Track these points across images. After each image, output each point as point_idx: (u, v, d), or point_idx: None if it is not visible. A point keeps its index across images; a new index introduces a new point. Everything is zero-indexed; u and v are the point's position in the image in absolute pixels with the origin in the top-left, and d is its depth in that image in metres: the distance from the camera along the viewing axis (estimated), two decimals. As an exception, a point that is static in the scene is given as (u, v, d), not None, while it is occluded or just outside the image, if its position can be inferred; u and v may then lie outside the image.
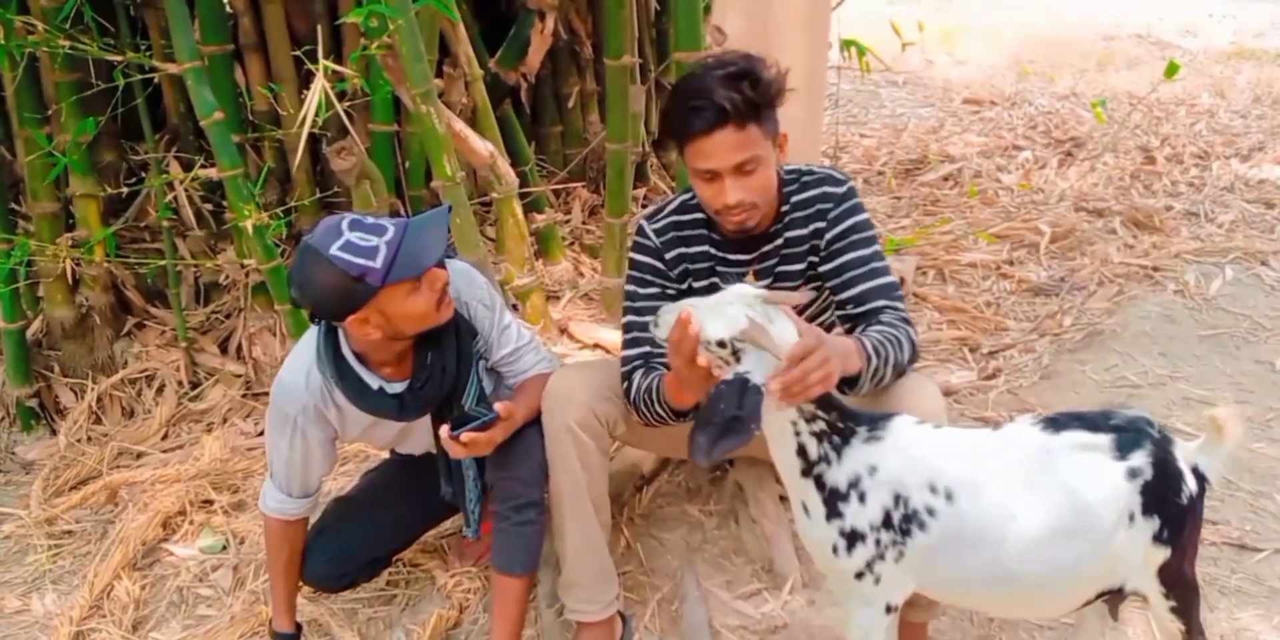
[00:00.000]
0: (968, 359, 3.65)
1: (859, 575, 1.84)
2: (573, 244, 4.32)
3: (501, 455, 2.25)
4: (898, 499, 1.79)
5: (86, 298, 3.76)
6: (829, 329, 2.34)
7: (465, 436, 2.08)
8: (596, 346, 3.58)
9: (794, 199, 2.22)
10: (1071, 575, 1.81)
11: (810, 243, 2.22)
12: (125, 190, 3.68)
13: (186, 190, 3.72)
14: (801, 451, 1.81)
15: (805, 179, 2.23)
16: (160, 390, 3.69)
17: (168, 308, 3.83)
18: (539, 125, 4.56)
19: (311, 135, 2.92)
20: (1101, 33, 8.75)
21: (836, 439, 1.81)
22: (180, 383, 3.68)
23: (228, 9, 3.68)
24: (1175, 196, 5.00)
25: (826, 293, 2.25)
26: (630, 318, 2.26)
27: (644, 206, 4.44)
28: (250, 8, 3.65)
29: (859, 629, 1.91)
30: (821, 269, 2.21)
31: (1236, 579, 2.55)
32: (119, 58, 3.27)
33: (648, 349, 2.20)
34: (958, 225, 4.72)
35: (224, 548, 2.96)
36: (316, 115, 2.84)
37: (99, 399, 3.67)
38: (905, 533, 1.79)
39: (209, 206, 3.81)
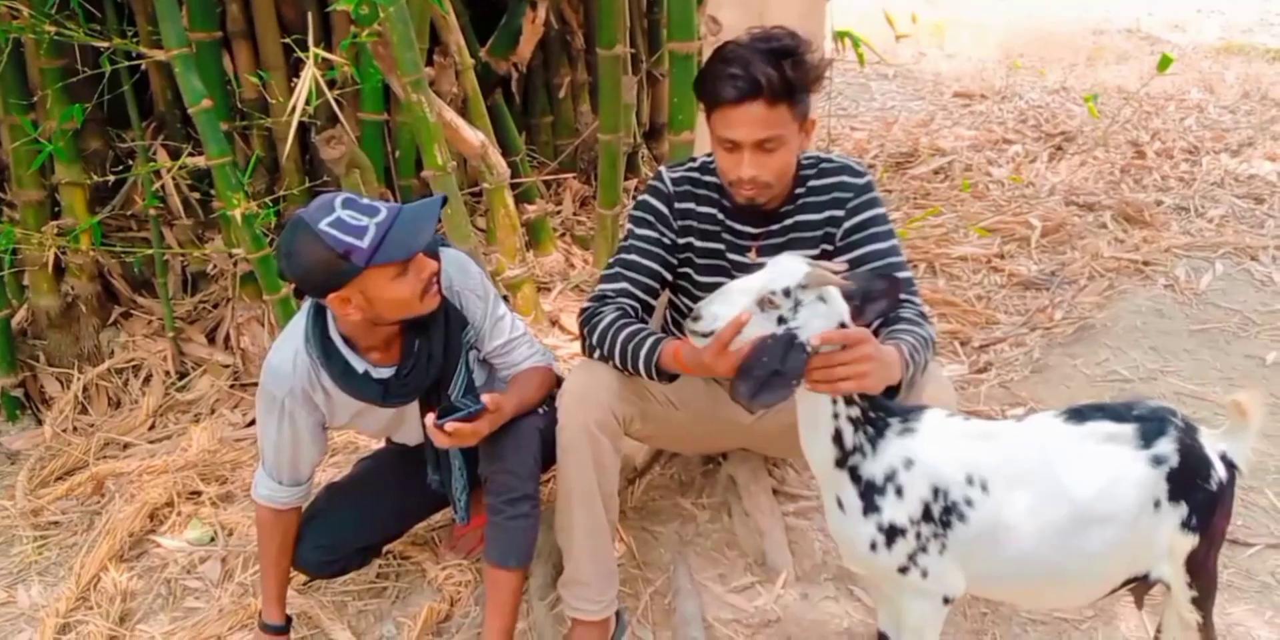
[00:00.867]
0: (958, 352, 3.65)
1: (903, 569, 1.83)
2: (564, 235, 4.30)
3: (494, 448, 2.24)
4: (936, 492, 1.79)
5: (72, 286, 3.72)
6: None
7: (450, 426, 2.06)
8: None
9: (810, 183, 2.22)
10: (1099, 563, 1.83)
11: (824, 229, 2.22)
12: (112, 178, 3.64)
13: (174, 178, 3.68)
14: (838, 437, 1.80)
15: (824, 166, 2.23)
16: (147, 380, 3.66)
17: (154, 297, 3.79)
18: (530, 115, 4.54)
19: (300, 124, 2.90)
20: (1091, 27, 8.76)
21: (871, 429, 1.80)
22: (167, 373, 3.65)
23: (216, -5, 3.65)
24: (1165, 191, 5.01)
25: None
26: (620, 254, 2.27)
27: (634, 198, 4.42)
28: (239, -6, 3.62)
29: (915, 621, 1.91)
30: (838, 259, 2.19)
31: (1228, 574, 2.55)
32: (105, 44, 3.23)
33: (625, 286, 2.21)
34: (948, 218, 4.71)
35: (212, 539, 2.93)
36: (306, 103, 2.82)
37: (85, 389, 3.63)
38: (946, 524, 1.79)
39: (196, 195, 3.77)
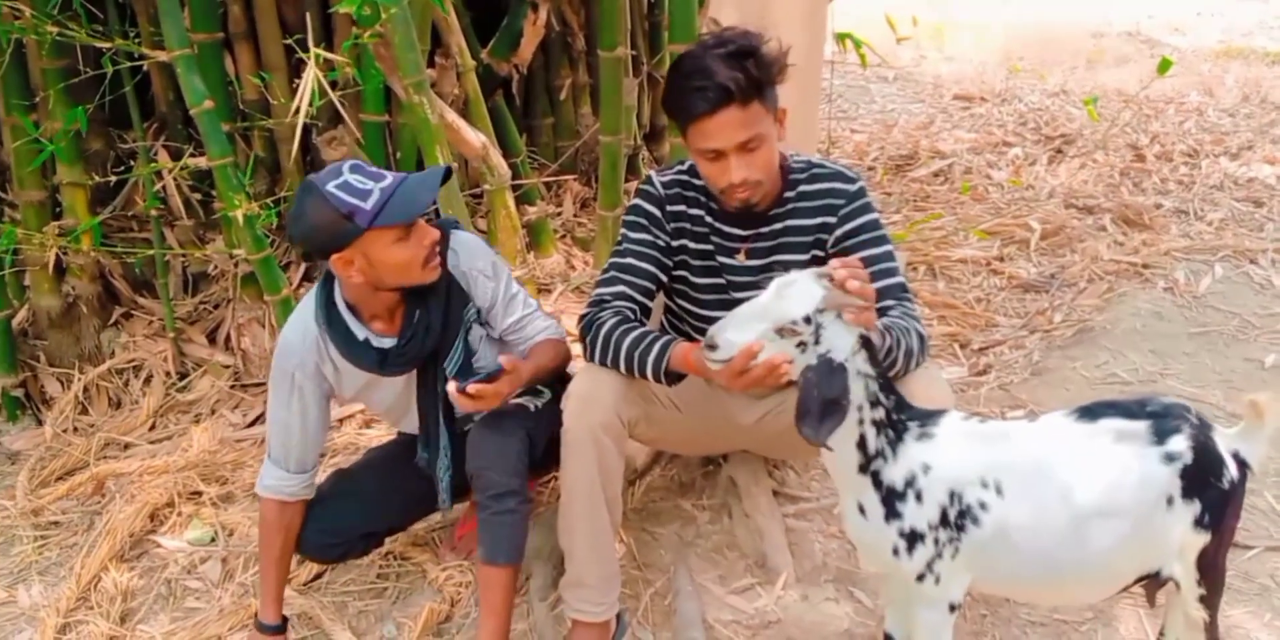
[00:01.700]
0: (958, 355, 3.65)
1: (920, 577, 1.84)
2: (564, 237, 4.30)
3: (480, 446, 2.26)
4: (953, 496, 1.80)
5: (73, 287, 3.72)
6: None
7: (472, 388, 2.09)
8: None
9: (801, 188, 2.23)
10: (1111, 560, 1.84)
11: (815, 235, 2.23)
12: (113, 179, 3.64)
13: (175, 179, 3.69)
14: (862, 443, 1.81)
15: (816, 171, 2.24)
16: (148, 381, 3.66)
17: (155, 297, 3.79)
18: (530, 117, 4.53)
19: (302, 125, 2.90)
20: (1091, 30, 8.77)
21: (892, 432, 1.81)
22: (168, 373, 3.65)
23: (218, -4, 3.65)
24: (1165, 194, 5.02)
25: None
26: (615, 259, 2.28)
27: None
28: (241, -5, 3.62)
29: (927, 633, 1.91)
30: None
31: (1228, 576, 2.54)
32: (108, 45, 3.23)
33: (622, 289, 2.23)
34: (948, 221, 4.72)
35: (212, 540, 2.94)
36: (309, 104, 2.82)
37: (86, 389, 3.63)
38: (960, 529, 1.80)
39: (198, 196, 3.77)
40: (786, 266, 2.24)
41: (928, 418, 1.84)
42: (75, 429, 3.54)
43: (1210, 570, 1.88)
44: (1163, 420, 1.81)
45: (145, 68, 3.63)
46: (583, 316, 2.23)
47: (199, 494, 3.09)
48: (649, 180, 2.32)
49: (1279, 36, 8.61)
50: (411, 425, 2.47)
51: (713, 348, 1.78)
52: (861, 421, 1.79)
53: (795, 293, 1.73)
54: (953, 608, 1.89)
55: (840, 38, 4.44)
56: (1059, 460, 1.81)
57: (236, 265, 3.65)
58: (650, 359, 2.08)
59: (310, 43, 2.85)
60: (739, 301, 2.26)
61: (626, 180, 4.12)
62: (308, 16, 3.26)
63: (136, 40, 3.41)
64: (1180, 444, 1.79)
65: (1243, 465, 1.85)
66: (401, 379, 2.35)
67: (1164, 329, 3.70)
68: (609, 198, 3.61)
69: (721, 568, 2.62)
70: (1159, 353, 3.56)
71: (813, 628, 2.42)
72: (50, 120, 3.51)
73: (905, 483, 1.81)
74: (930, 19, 8.24)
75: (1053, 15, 9.29)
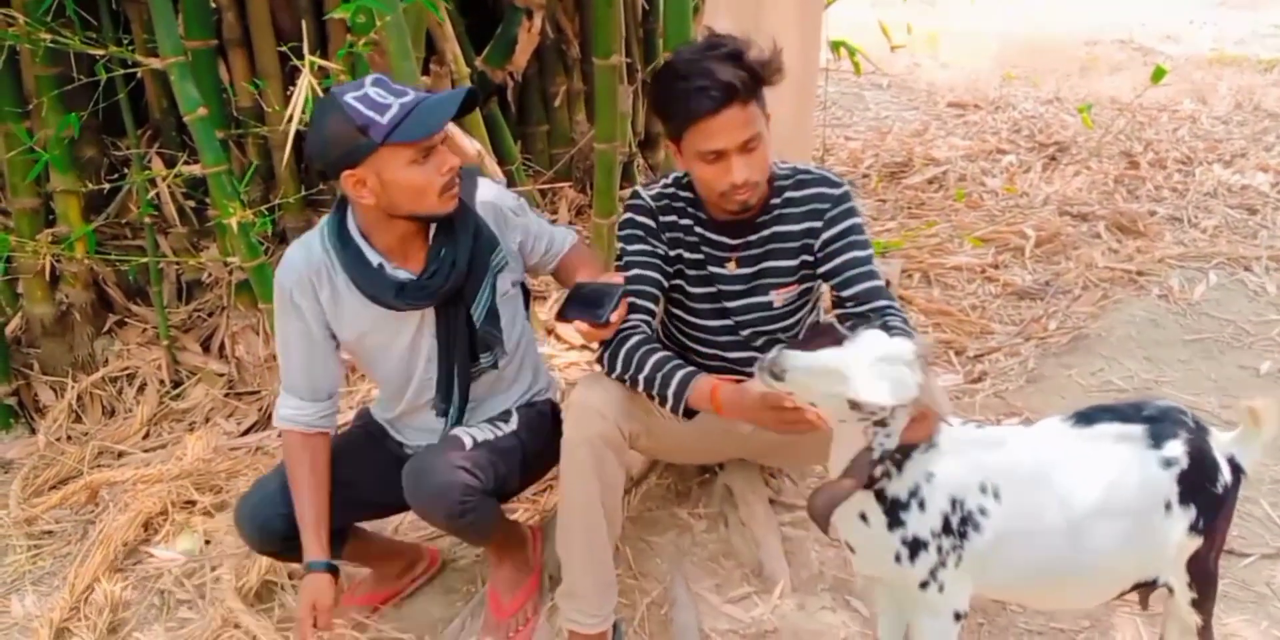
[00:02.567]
0: (953, 362, 3.65)
1: (924, 585, 1.83)
2: (559, 244, 4.29)
3: (418, 482, 2.19)
4: (954, 502, 1.80)
5: (67, 295, 3.71)
6: (801, 327, 2.39)
7: (615, 316, 2.06)
8: (584, 348, 3.56)
9: (787, 195, 2.23)
10: (1111, 565, 1.84)
11: (803, 240, 2.23)
12: (107, 186, 3.62)
13: (169, 187, 3.68)
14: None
15: (801, 177, 2.24)
16: (141, 389, 3.64)
17: (149, 305, 3.78)
18: (525, 125, 4.54)
19: (297, 131, 2.89)
20: (1084, 38, 8.79)
21: (899, 455, 1.79)
22: (162, 381, 3.64)
23: (212, 4, 3.64)
24: (1159, 201, 5.03)
25: (806, 293, 2.31)
26: (619, 273, 2.27)
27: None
28: (235, 3, 3.61)
29: None
30: (820, 269, 2.23)
31: (1224, 584, 2.53)
32: (101, 52, 3.23)
33: (632, 301, 2.21)
34: (943, 228, 4.72)
35: (207, 542, 2.91)
36: (302, 111, 2.81)
37: (79, 397, 3.62)
38: (963, 535, 1.80)
39: (192, 203, 3.77)
40: (777, 273, 2.25)
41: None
42: (69, 437, 3.53)
43: (1202, 574, 1.88)
44: (1159, 424, 1.82)
45: (139, 75, 3.62)
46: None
47: (193, 503, 3.08)
48: (636, 195, 2.32)
49: (1271, 44, 8.63)
50: (407, 397, 2.36)
51: (777, 377, 1.69)
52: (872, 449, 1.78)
53: (894, 379, 1.65)
54: (958, 616, 1.88)
55: (835, 45, 4.44)
56: (1057, 465, 1.82)
57: (231, 273, 3.64)
58: (671, 389, 2.07)
59: (305, 50, 2.84)
60: (731, 310, 2.28)
61: (621, 187, 4.12)
62: (303, 23, 3.25)
63: (130, 47, 3.41)
64: (1177, 449, 1.80)
65: (1237, 470, 1.85)
66: (410, 329, 2.25)
67: (1159, 336, 3.71)
68: (604, 205, 3.60)
69: (718, 577, 2.61)
70: (1154, 360, 3.56)
71: (810, 637, 2.41)
72: (44, 128, 3.49)
73: (910, 493, 1.80)
74: (924, 27, 8.25)
75: (1047, 23, 9.32)
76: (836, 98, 7.20)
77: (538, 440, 2.35)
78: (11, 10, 3.19)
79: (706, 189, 2.16)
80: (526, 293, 2.48)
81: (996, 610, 2.46)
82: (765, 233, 2.24)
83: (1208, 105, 6.71)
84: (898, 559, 1.82)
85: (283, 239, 3.76)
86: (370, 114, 1.96)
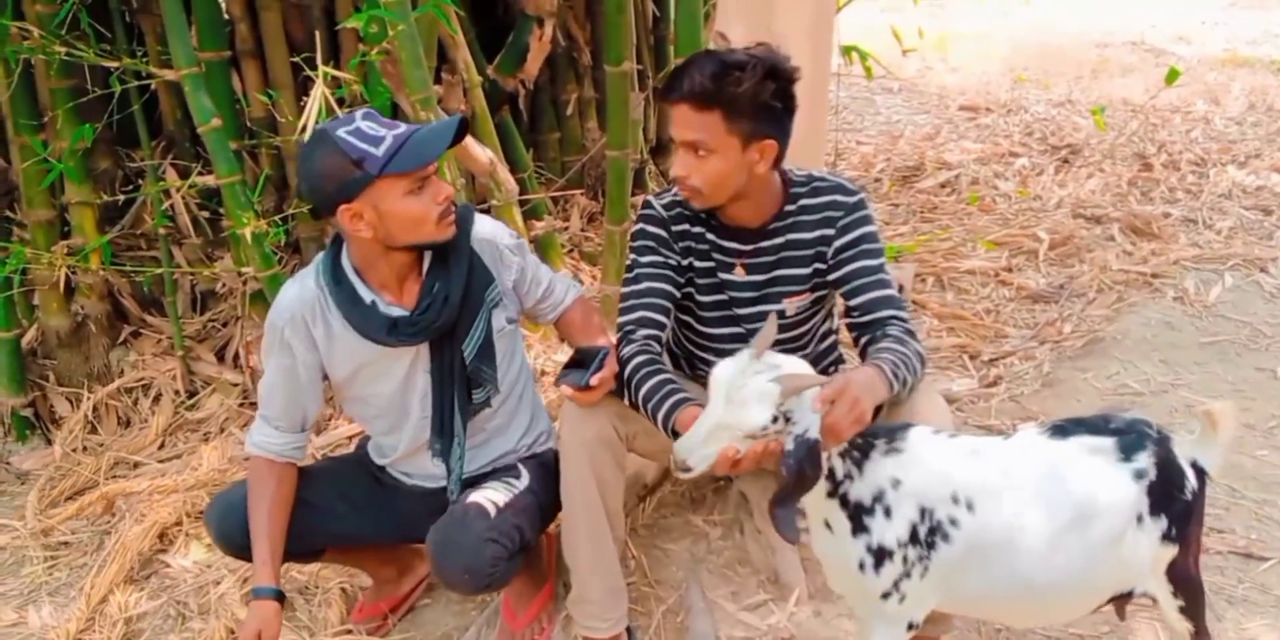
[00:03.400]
0: (968, 366, 3.64)
1: (885, 595, 1.81)
2: (571, 251, 4.30)
3: (444, 554, 2.18)
4: (923, 512, 1.78)
5: (82, 306, 3.72)
6: (813, 335, 2.38)
7: (596, 379, 2.06)
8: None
9: (802, 202, 2.23)
10: (1087, 580, 1.82)
11: (816, 248, 2.23)
12: (121, 198, 3.64)
13: (183, 197, 3.69)
14: (830, 474, 1.79)
15: (817, 185, 2.23)
16: (157, 399, 3.65)
17: (164, 316, 3.80)
18: (537, 132, 4.54)
19: (303, 148, 2.91)
20: (1095, 40, 8.76)
21: (857, 453, 1.79)
22: (177, 392, 3.65)
23: (225, 15, 3.66)
24: (1173, 203, 5.01)
25: (819, 301, 2.30)
26: (629, 286, 2.28)
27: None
28: (248, 14, 3.63)
29: None
30: (830, 276, 2.22)
31: (1243, 588, 2.54)
32: (115, 64, 3.25)
33: (642, 314, 2.22)
34: (956, 232, 4.71)
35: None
36: (316, 121, 2.82)
37: (95, 408, 3.63)
38: (930, 546, 1.78)
39: (206, 214, 3.78)
40: (789, 281, 2.24)
41: (895, 432, 1.83)
42: (84, 448, 3.54)
43: (1184, 581, 1.87)
44: (1126, 436, 1.81)
45: (153, 86, 3.64)
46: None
47: (203, 517, 3.08)
48: (648, 204, 2.31)
49: (1284, 44, 8.61)
50: (403, 437, 2.35)
51: (686, 470, 1.75)
52: (829, 457, 1.77)
53: (750, 397, 1.68)
54: (911, 626, 1.87)
55: (846, 50, 4.44)
56: (1032, 478, 1.80)
57: (245, 283, 3.65)
58: (660, 415, 2.06)
59: (318, 60, 2.85)
60: (741, 318, 2.27)
61: (633, 194, 4.12)
62: (315, 34, 3.26)
63: (144, 59, 3.43)
64: (1145, 460, 1.79)
65: (1201, 473, 1.85)
66: (404, 365, 2.24)
67: (1175, 339, 3.69)
68: (616, 212, 3.60)
69: (734, 584, 2.60)
70: (1170, 363, 3.54)
71: (826, 644, 2.41)
72: (58, 140, 3.51)
73: (874, 498, 1.79)
74: (935, 30, 8.24)
75: (1058, 25, 9.29)
76: (848, 102, 7.19)
77: (549, 492, 2.34)
78: (27, 24, 3.21)
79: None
80: None
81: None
82: (779, 240, 2.23)
83: (1221, 106, 6.69)
84: (861, 567, 1.80)
85: (296, 249, 3.78)
86: (365, 147, 1.96)
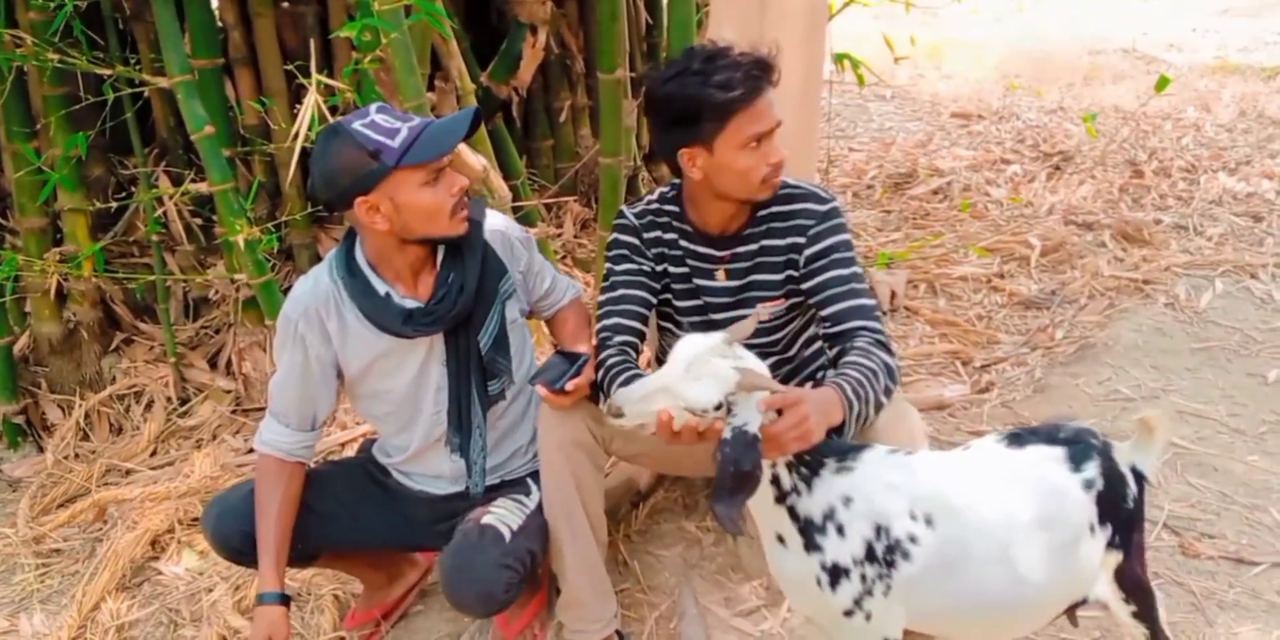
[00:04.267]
0: (960, 372, 3.64)
1: (848, 613, 1.80)
2: (565, 258, 4.31)
3: (458, 582, 2.19)
4: (879, 530, 1.77)
5: (74, 313, 3.73)
6: (791, 341, 2.38)
7: (572, 384, 2.05)
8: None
9: (775, 208, 2.24)
10: (1046, 590, 1.82)
11: (787, 255, 2.23)
12: (114, 205, 3.65)
13: (176, 205, 3.70)
14: (775, 480, 1.79)
15: (790, 191, 2.24)
16: (149, 406, 3.66)
17: (156, 323, 3.80)
18: (530, 139, 4.55)
19: (303, 149, 2.91)
20: (1087, 47, 8.79)
21: (805, 470, 1.79)
22: (169, 399, 3.65)
23: (218, 23, 3.66)
24: (1164, 210, 5.02)
25: (795, 307, 2.30)
26: (605, 294, 2.29)
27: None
28: (241, 22, 3.64)
29: None
30: (803, 285, 2.22)
31: (1234, 593, 2.54)
32: (108, 71, 3.25)
33: (618, 321, 2.23)
34: (948, 239, 4.73)
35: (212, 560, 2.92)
36: (309, 129, 2.83)
37: (87, 415, 3.63)
38: (890, 564, 1.77)
39: (199, 221, 3.79)
40: (763, 286, 2.25)
41: (846, 452, 1.82)
42: (76, 455, 3.54)
43: (1133, 586, 1.87)
44: (1075, 446, 1.81)
45: (146, 94, 3.65)
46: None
47: (199, 520, 3.08)
48: (621, 214, 2.34)
49: (1275, 52, 8.63)
50: (415, 435, 2.34)
51: (618, 416, 1.77)
52: (774, 464, 1.77)
53: (707, 375, 1.70)
54: None
55: (838, 58, 4.45)
56: (992, 489, 1.79)
57: (238, 290, 3.66)
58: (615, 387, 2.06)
59: (311, 68, 2.86)
60: (717, 323, 2.27)
61: (626, 201, 4.13)
62: (309, 42, 3.27)
63: (137, 67, 3.44)
64: (1093, 470, 1.79)
65: (1140, 478, 1.85)
66: (418, 359, 2.24)
67: (1166, 345, 3.70)
68: (609, 219, 3.59)
69: (726, 590, 2.60)
70: (1161, 368, 3.55)
71: (819, 650, 2.41)
72: (51, 147, 3.52)
73: (824, 515, 1.78)
74: (927, 38, 8.26)
75: (1049, 33, 9.32)
76: (840, 110, 7.22)
77: None
78: (19, 31, 3.21)
79: (746, 180, 2.12)
80: None
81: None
82: (753, 246, 2.24)
83: (1212, 113, 6.71)
84: (819, 584, 1.79)
85: (289, 256, 3.78)
86: (381, 138, 1.99)
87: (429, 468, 2.39)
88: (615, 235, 2.32)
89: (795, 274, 2.24)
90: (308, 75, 2.85)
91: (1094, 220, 4.85)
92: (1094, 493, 1.79)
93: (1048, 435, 1.84)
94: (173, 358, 3.66)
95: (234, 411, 3.61)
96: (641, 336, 2.28)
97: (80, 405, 3.64)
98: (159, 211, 3.69)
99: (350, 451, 3.16)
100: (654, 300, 2.31)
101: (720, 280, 2.28)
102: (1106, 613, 1.94)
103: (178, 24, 3.20)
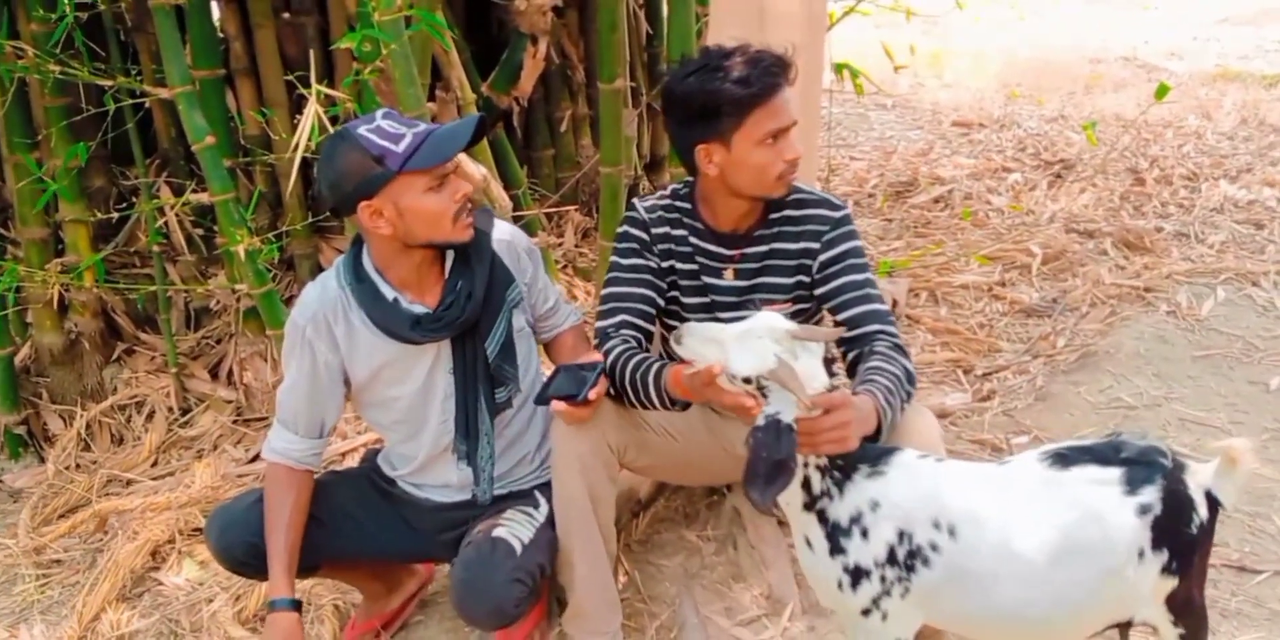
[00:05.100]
0: (961, 381, 3.64)
1: (866, 612, 1.81)
2: (565, 267, 4.31)
3: (469, 598, 2.18)
4: (902, 535, 1.77)
5: (76, 323, 3.73)
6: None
7: (593, 394, 2.04)
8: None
9: (786, 212, 2.25)
10: (1078, 611, 1.79)
11: (799, 260, 2.24)
12: (115, 215, 3.65)
13: (177, 215, 3.71)
14: (806, 484, 1.80)
15: (803, 197, 2.25)
16: (150, 417, 3.66)
17: (158, 333, 3.80)
18: (531, 149, 4.56)
19: (304, 159, 2.92)
20: (1088, 56, 8.79)
21: (838, 474, 1.80)
22: (170, 409, 3.65)
23: (220, 34, 3.68)
24: (1165, 218, 5.01)
25: (801, 313, 2.30)
26: (609, 289, 2.29)
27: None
28: (242, 32, 3.65)
29: None
30: (817, 291, 2.23)
31: (1237, 601, 2.53)
32: (109, 82, 3.26)
33: (623, 318, 2.23)
34: (949, 247, 4.72)
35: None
36: (309, 139, 2.83)
37: (88, 426, 3.63)
38: (910, 569, 1.77)
39: (200, 231, 3.80)
40: (771, 289, 2.25)
41: (879, 457, 1.82)
42: (77, 466, 3.54)
43: (1185, 611, 1.82)
44: (1136, 467, 1.75)
45: (147, 104, 3.66)
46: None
47: (200, 530, 3.07)
48: (632, 207, 2.35)
49: (1276, 60, 8.63)
50: (423, 444, 2.34)
51: (679, 342, 1.87)
52: (806, 465, 1.78)
53: (752, 348, 1.75)
54: None
55: (838, 67, 4.46)
56: (1025, 508, 1.77)
57: (239, 300, 3.66)
58: (650, 381, 2.07)
59: (312, 79, 2.87)
60: (723, 321, 2.26)
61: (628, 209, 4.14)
62: (310, 52, 3.28)
63: (138, 77, 3.45)
64: (1152, 494, 1.73)
65: (1214, 504, 1.79)
66: (425, 366, 2.24)
67: (1167, 353, 3.69)
68: (610, 228, 3.60)
69: (727, 599, 2.60)
70: (1163, 376, 3.54)
71: (820, 659, 2.40)
72: (52, 158, 3.53)
73: (851, 520, 1.79)
74: (927, 47, 8.28)
75: (1050, 42, 9.32)
76: (841, 119, 7.22)
77: None
78: (21, 43, 3.23)
79: (762, 177, 2.13)
80: None
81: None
82: (763, 248, 2.25)
83: (1213, 121, 6.71)
84: (840, 586, 1.81)
85: (290, 266, 3.78)
86: (385, 144, 2.00)
87: (436, 478, 2.39)
88: (625, 227, 2.32)
89: (807, 279, 2.25)
90: (308, 86, 2.86)
91: (1095, 228, 4.84)
92: (1149, 518, 1.73)
93: (1103, 455, 1.78)
94: (174, 368, 3.66)
95: (235, 422, 3.61)
96: (648, 335, 2.28)
97: (81, 416, 3.64)
98: (160, 222, 3.69)
99: (352, 461, 3.15)
100: (660, 300, 2.31)
101: (728, 279, 2.29)
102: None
103: (179, 35, 3.21)
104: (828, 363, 2.34)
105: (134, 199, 3.83)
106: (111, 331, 3.84)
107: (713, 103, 2.06)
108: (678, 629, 2.50)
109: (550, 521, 2.30)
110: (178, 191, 3.65)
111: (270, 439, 2.31)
